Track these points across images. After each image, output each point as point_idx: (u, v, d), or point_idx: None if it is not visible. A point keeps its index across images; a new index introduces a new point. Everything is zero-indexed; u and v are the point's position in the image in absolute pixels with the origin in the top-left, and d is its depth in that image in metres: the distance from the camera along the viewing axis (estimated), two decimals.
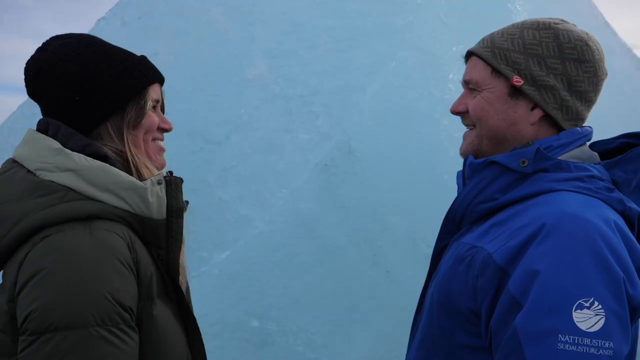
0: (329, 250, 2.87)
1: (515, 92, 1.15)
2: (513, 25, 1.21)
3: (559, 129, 1.16)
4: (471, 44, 1.33)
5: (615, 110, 3.77)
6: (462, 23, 3.30)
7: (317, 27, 3.18)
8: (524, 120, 1.16)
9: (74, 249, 0.99)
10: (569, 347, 0.90)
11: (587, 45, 1.14)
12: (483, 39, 1.24)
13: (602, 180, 1.11)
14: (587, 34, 1.17)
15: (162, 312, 1.11)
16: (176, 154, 3.13)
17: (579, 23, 1.24)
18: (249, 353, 2.72)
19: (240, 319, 2.75)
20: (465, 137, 1.26)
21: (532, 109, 1.15)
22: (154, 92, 1.22)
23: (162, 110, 1.31)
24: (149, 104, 1.19)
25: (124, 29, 3.34)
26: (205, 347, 1.28)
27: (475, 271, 1.04)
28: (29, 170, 1.07)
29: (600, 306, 0.92)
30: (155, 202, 1.10)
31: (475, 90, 1.21)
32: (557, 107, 1.14)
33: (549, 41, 1.13)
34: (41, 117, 1.18)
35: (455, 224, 1.21)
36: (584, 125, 1.20)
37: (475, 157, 1.21)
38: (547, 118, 1.16)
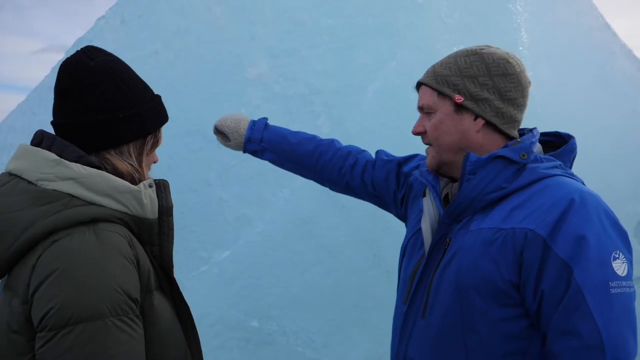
0: (329, 250, 2.87)
1: (459, 108, 1.40)
2: (448, 56, 1.45)
3: (501, 132, 1.40)
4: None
5: (616, 111, 3.77)
6: (463, 23, 3.30)
7: (318, 26, 3.18)
8: (471, 130, 1.40)
9: (83, 249, 1.09)
10: (617, 291, 1.19)
11: (508, 62, 1.39)
12: (427, 71, 1.47)
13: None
14: (507, 53, 1.42)
15: (160, 302, 1.22)
16: (176, 153, 3.14)
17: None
18: (249, 353, 2.72)
19: (240, 319, 2.76)
20: (427, 152, 1.49)
21: (475, 119, 1.39)
22: None
23: None
24: (160, 136, 1.36)
25: (124, 28, 3.34)
26: (205, 346, 1.38)
27: (519, 247, 1.25)
28: (29, 182, 1.15)
29: (623, 256, 1.22)
30: (149, 203, 1.22)
31: (430, 113, 1.44)
32: (494, 115, 1.39)
33: (478, 64, 1.39)
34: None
35: (451, 217, 1.37)
36: (520, 126, 1.46)
37: (439, 168, 1.45)
38: (489, 125, 1.40)
